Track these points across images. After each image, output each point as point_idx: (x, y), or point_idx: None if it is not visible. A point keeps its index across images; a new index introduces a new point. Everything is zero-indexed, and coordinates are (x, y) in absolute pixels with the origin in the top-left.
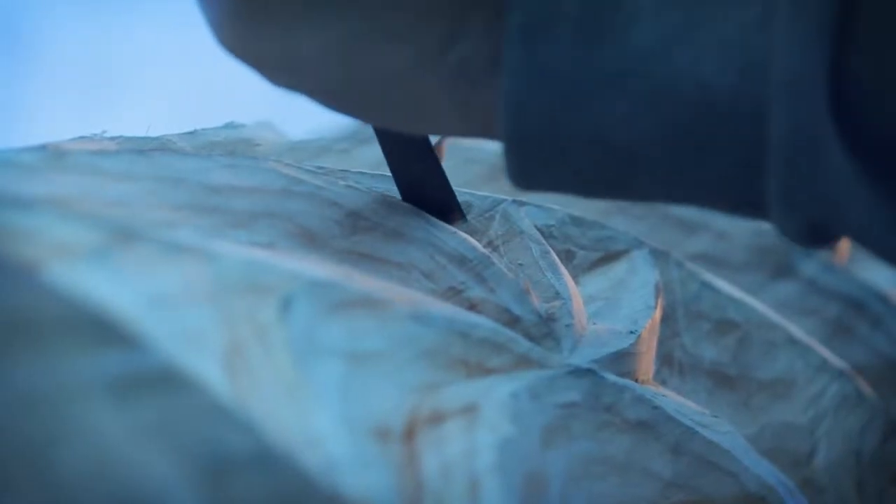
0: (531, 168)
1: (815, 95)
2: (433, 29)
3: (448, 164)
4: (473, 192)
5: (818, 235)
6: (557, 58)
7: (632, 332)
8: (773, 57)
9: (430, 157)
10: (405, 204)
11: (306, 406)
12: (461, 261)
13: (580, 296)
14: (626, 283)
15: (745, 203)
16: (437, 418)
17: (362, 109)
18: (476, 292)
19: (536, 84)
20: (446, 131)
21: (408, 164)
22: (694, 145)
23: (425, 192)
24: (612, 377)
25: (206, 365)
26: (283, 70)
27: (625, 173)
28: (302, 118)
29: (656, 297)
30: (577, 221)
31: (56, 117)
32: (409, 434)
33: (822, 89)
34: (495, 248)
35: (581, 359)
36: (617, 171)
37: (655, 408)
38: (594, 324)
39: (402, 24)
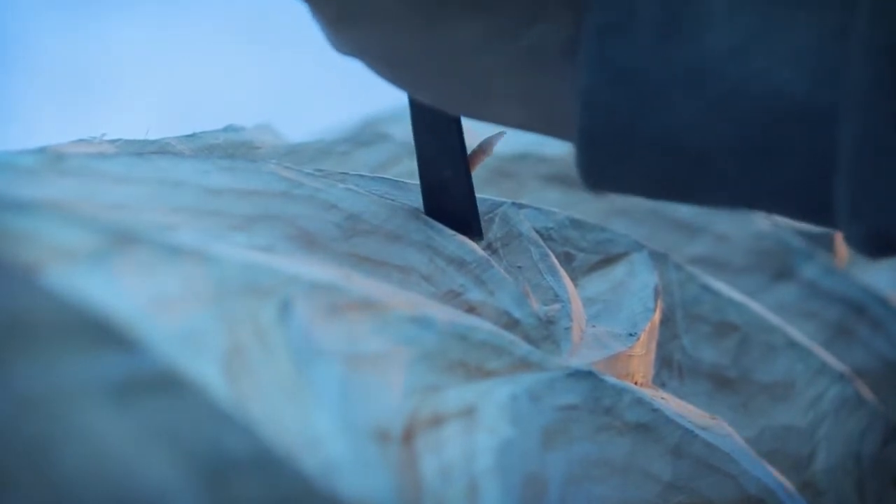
0: (603, 166)
1: (887, 107)
2: (512, 9)
3: None
4: None
5: (883, 245)
6: (635, 56)
7: (631, 335)
8: (848, 65)
9: (462, 168)
10: (404, 206)
11: (306, 408)
12: (460, 264)
13: (579, 298)
14: (626, 285)
15: (811, 209)
16: (436, 420)
17: (422, 82)
18: (475, 295)
19: (613, 82)
20: (503, 118)
21: (438, 170)
22: (765, 149)
23: (448, 202)
24: (611, 379)
25: (205, 367)
26: (356, 26)
27: (695, 175)
28: (301, 121)
29: (655, 300)
30: (576, 224)
31: (54, 120)
32: (409, 436)
33: (894, 101)
34: (494, 251)
35: (580, 361)
36: (688, 171)
37: (655, 410)
38: (593, 326)
39: (486, 0)
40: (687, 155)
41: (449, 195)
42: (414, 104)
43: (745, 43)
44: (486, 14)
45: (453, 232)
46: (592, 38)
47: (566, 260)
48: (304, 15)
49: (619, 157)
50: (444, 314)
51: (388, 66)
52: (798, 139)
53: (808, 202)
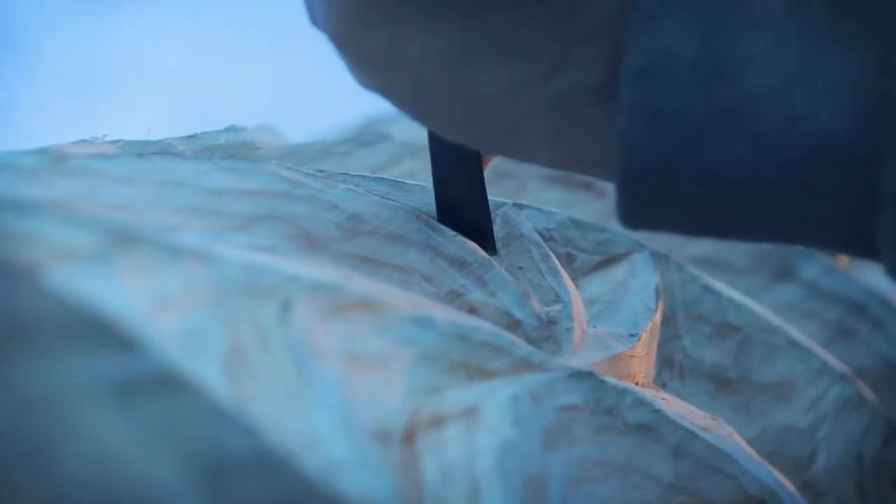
0: (644, 207)
1: None
2: (544, 55)
3: None
4: None
5: None
6: (674, 99)
7: (632, 336)
8: (889, 102)
9: (478, 185)
10: (405, 207)
11: (307, 408)
12: (461, 264)
13: (580, 299)
14: (627, 286)
15: (854, 243)
16: (437, 421)
17: (448, 123)
18: (476, 296)
19: (653, 125)
20: (531, 158)
21: (453, 187)
22: (807, 186)
23: (463, 217)
24: (612, 380)
25: (206, 367)
26: (382, 68)
27: (737, 213)
28: (302, 121)
29: (657, 300)
30: (577, 224)
31: (55, 121)
32: (410, 436)
33: None
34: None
35: (581, 362)
36: (729, 211)
37: (656, 411)
38: (594, 327)
39: (515, 46)
40: (728, 193)
41: (464, 213)
42: None
43: (786, 83)
44: (515, 61)
45: (454, 233)
46: (630, 81)
47: (567, 260)
48: (306, 15)
49: (660, 197)
50: (445, 315)
51: (414, 107)
52: (840, 176)
53: (851, 237)
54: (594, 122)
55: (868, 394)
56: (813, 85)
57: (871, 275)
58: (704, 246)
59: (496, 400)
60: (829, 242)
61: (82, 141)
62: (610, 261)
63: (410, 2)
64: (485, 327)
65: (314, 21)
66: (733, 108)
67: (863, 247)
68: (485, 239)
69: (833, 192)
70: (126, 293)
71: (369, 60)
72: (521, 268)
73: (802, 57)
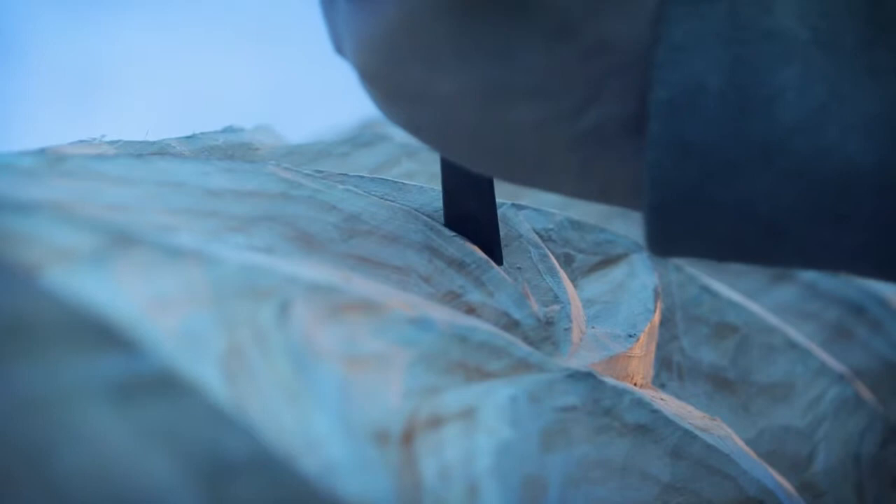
0: (673, 238)
1: None
2: (575, 91)
3: None
4: None
5: None
6: (702, 131)
7: (630, 336)
8: None
9: (488, 200)
10: (403, 207)
11: (305, 409)
12: (460, 265)
13: (579, 300)
14: (625, 286)
15: (885, 271)
16: (435, 422)
17: (473, 157)
18: (475, 296)
19: (681, 157)
20: (557, 188)
21: (464, 200)
22: (838, 216)
23: (472, 230)
24: (611, 381)
25: (205, 369)
26: (410, 103)
27: (767, 243)
28: (301, 122)
29: (655, 301)
30: (576, 225)
31: (54, 121)
32: (408, 438)
33: None
34: None
35: (580, 362)
36: (759, 241)
37: (654, 411)
38: (593, 327)
39: (547, 83)
40: (758, 224)
41: (473, 226)
42: None
43: (815, 115)
44: (547, 97)
45: (453, 233)
46: (658, 113)
47: (566, 261)
48: (304, 16)
49: (688, 228)
50: (444, 315)
51: (441, 142)
52: (871, 206)
53: (884, 264)
54: (622, 155)
55: (866, 394)
56: (842, 116)
57: None
58: None
59: (494, 401)
60: (860, 270)
61: (81, 141)
62: (608, 261)
63: (443, 40)
64: (483, 328)
65: (339, 51)
66: (762, 140)
67: (894, 274)
68: (492, 253)
69: (863, 221)
70: (124, 294)
71: (398, 95)
72: (519, 268)
73: (831, 88)
